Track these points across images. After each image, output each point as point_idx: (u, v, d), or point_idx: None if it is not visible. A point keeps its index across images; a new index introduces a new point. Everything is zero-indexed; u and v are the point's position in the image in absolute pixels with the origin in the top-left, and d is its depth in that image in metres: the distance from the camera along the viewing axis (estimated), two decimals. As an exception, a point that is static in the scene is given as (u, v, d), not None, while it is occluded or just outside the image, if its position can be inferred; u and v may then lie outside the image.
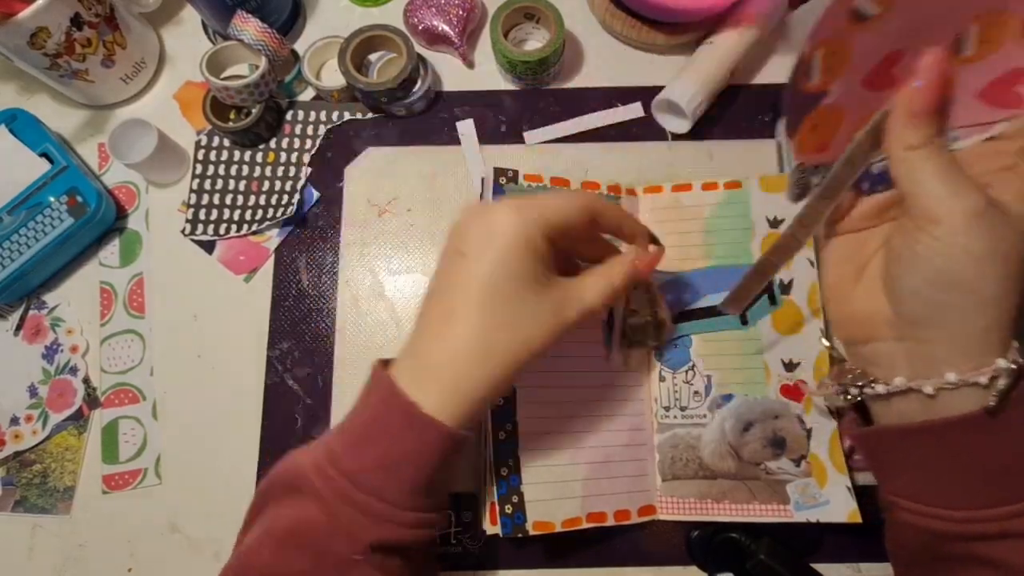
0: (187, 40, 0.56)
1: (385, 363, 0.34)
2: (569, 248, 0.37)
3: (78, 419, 0.47)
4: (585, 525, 0.41)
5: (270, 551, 0.32)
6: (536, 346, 0.32)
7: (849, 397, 0.34)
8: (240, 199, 0.51)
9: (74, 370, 0.48)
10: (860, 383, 0.33)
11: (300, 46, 0.53)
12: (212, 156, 0.52)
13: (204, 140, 0.53)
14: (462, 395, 0.32)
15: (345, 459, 0.32)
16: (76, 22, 0.46)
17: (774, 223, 0.46)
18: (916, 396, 0.31)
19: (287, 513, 0.33)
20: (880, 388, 0.32)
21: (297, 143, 0.52)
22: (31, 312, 0.50)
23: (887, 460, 0.34)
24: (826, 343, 0.41)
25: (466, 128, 0.52)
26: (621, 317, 0.44)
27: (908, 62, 0.27)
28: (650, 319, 0.44)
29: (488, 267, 0.32)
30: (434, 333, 0.33)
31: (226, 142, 0.52)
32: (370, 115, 0.53)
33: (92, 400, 0.48)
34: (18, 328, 0.49)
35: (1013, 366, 0.29)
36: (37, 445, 0.47)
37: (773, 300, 0.45)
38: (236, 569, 0.33)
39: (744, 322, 0.45)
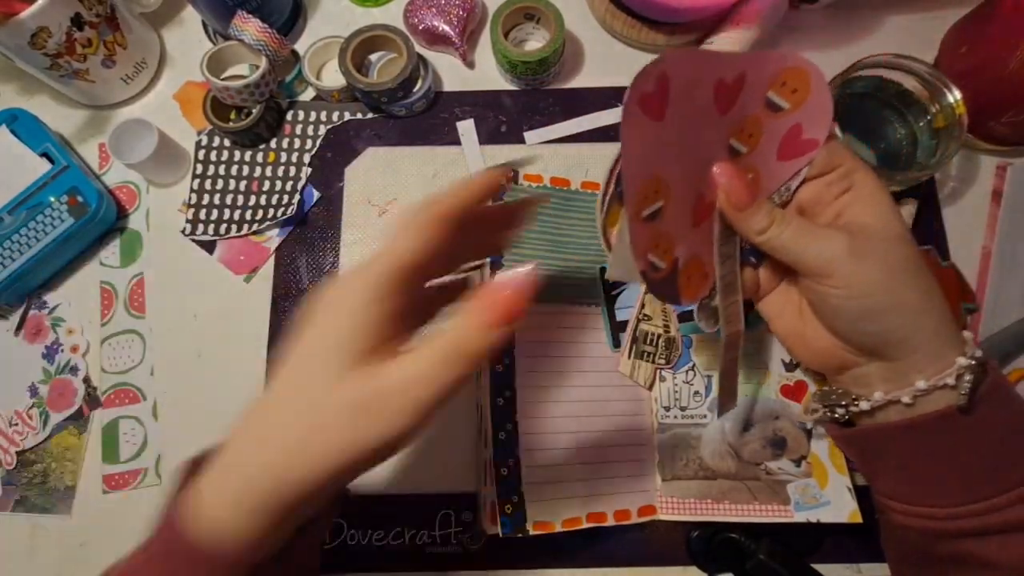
0: (188, 40, 0.56)
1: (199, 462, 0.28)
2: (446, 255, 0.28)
3: (78, 419, 0.47)
4: (585, 525, 0.41)
5: None
6: (368, 449, 0.24)
7: (836, 416, 0.36)
8: (240, 199, 0.51)
9: (74, 370, 0.48)
10: (844, 402, 0.35)
11: (300, 46, 0.53)
12: (212, 156, 0.52)
13: (204, 140, 0.53)
14: (245, 505, 0.25)
15: None
16: (77, 22, 0.46)
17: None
18: (896, 407, 0.32)
19: None
20: (864, 405, 0.34)
21: (297, 143, 0.52)
22: (31, 312, 0.50)
23: (872, 460, 0.35)
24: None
25: (466, 128, 0.52)
26: (633, 321, 0.44)
27: (709, 191, 0.33)
28: (662, 332, 0.44)
29: (296, 343, 0.26)
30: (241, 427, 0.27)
31: (226, 142, 0.52)
32: (370, 115, 0.53)
33: (92, 400, 0.48)
34: (19, 328, 0.49)
35: (972, 362, 0.30)
36: (37, 445, 0.47)
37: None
38: None
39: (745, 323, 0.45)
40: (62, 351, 0.49)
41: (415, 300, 0.27)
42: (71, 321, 0.49)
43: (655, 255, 0.33)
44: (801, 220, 0.32)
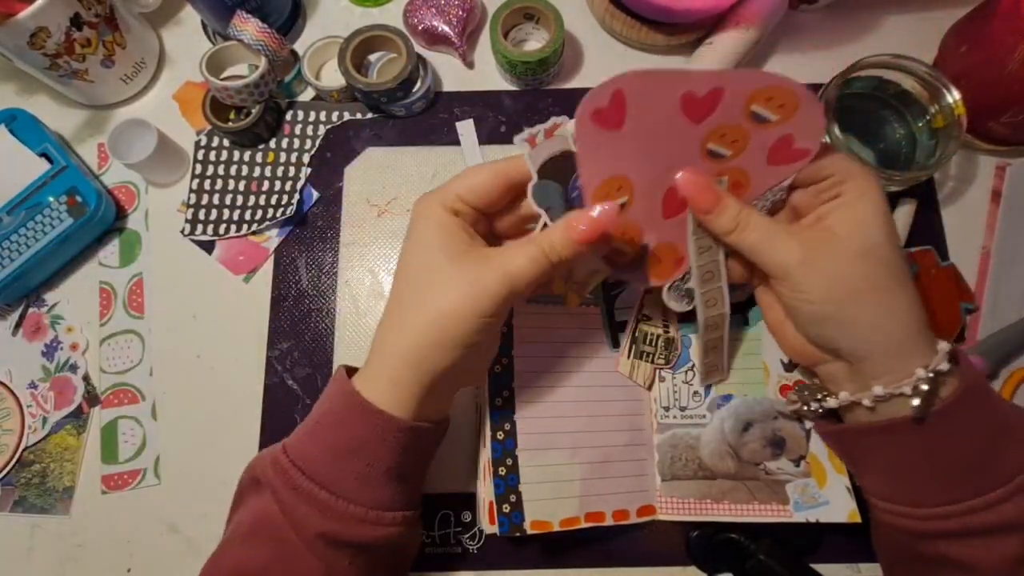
0: (187, 40, 0.56)
1: (352, 370, 0.36)
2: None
3: (78, 416, 0.47)
4: (583, 525, 0.41)
5: (237, 547, 0.33)
6: (457, 317, 0.31)
7: (811, 409, 0.37)
8: (240, 199, 0.51)
9: (74, 367, 0.48)
10: (818, 396, 0.37)
11: (300, 46, 0.53)
12: (212, 156, 0.52)
13: (204, 140, 0.53)
14: (399, 381, 0.32)
15: (296, 449, 0.33)
16: (76, 22, 0.46)
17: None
18: (860, 408, 0.34)
19: (251, 507, 0.34)
20: (831, 402, 0.36)
21: (297, 143, 0.52)
22: (31, 310, 0.50)
23: (856, 458, 0.36)
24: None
25: (466, 128, 0.52)
26: (633, 322, 0.44)
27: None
28: (661, 332, 0.44)
29: (405, 248, 0.34)
30: (381, 325, 0.35)
31: (226, 142, 0.52)
32: (370, 115, 0.53)
33: (92, 397, 0.48)
34: (16, 326, 0.49)
35: (931, 375, 0.31)
36: (37, 443, 0.47)
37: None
38: (208, 572, 0.34)
39: (744, 322, 0.45)
40: (61, 349, 0.49)
41: (482, 228, 0.35)
42: (70, 319, 0.49)
43: (620, 242, 0.34)
44: (766, 226, 0.33)
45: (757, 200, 0.35)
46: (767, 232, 0.33)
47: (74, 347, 0.49)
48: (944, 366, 0.31)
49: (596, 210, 0.31)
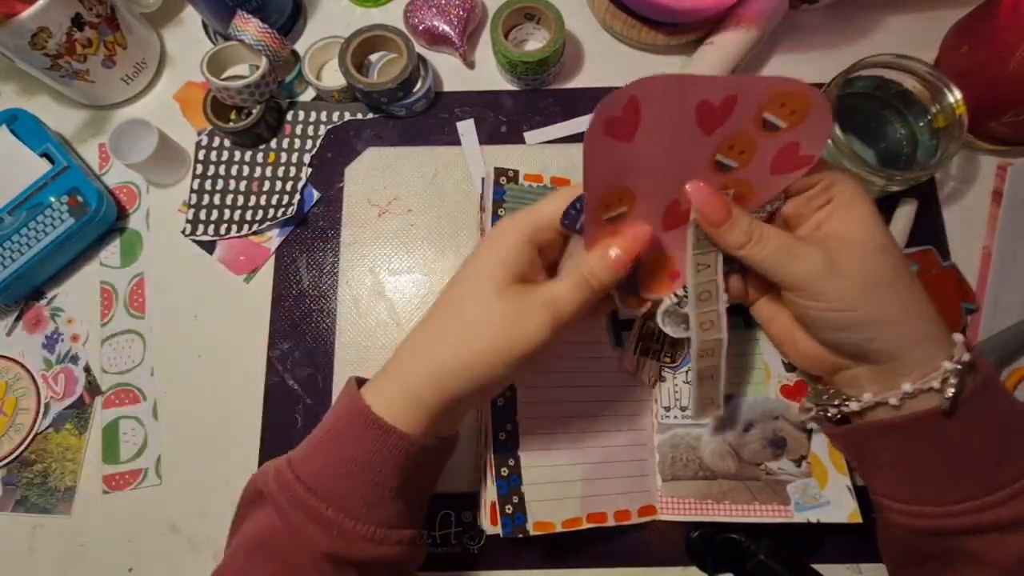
0: (188, 40, 0.56)
1: (362, 380, 0.35)
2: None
3: (79, 407, 0.47)
4: (586, 525, 0.41)
5: (240, 562, 0.32)
6: (489, 361, 0.31)
7: (829, 416, 0.37)
8: (240, 199, 0.51)
9: (75, 359, 0.48)
10: (836, 402, 0.36)
11: (300, 46, 0.53)
12: (213, 156, 0.52)
13: (205, 140, 0.53)
14: (415, 400, 0.32)
15: (301, 463, 0.32)
16: (77, 22, 0.46)
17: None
18: (885, 407, 0.33)
19: (255, 522, 0.33)
20: (854, 405, 0.35)
21: (297, 143, 0.52)
22: (30, 303, 0.50)
23: (866, 459, 0.35)
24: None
25: (466, 128, 0.52)
26: (640, 320, 0.44)
27: (685, 199, 0.33)
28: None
29: (460, 270, 0.34)
30: (418, 343, 0.34)
31: (227, 142, 0.52)
32: (370, 115, 0.53)
33: (93, 388, 0.48)
34: (16, 321, 0.49)
35: (958, 366, 0.30)
36: (38, 434, 0.47)
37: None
38: None
39: (743, 324, 0.45)
40: (62, 340, 0.49)
41: (545, 248, 0.34)
42: (70, 311, 0.49)
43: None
44: (781, 237, 0.32)
45: (756, 212, 0.35)
46: (783, 243, 0.32)
47: (75, 338, 0.49)
48: (967, 356, 0.31)
49: (613, 251, 0.32)
